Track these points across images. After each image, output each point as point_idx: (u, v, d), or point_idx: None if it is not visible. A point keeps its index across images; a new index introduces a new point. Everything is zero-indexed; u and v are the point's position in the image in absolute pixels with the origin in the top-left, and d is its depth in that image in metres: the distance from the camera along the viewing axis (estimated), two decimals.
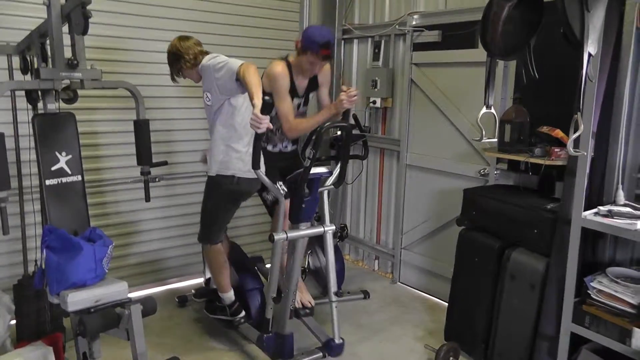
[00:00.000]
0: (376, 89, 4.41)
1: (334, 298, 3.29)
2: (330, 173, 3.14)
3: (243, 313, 3.44)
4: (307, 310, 3.56)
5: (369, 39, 4.65)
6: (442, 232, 4.17)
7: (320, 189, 3.16)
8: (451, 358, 3.18)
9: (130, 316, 2.52)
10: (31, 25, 2.99)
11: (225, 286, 3.43)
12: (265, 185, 2.98)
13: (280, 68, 3.33)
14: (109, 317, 2.58)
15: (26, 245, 3.37)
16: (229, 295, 3.44)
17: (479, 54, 3.66)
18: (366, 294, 4.17)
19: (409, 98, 4.27)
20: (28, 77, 3.13)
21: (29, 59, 3.13)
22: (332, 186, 3.14)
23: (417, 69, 4.21)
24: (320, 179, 3.02)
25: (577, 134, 2.22)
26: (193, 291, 4.01)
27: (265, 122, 2.62)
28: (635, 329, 2.37)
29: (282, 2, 4.66)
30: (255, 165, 2.75)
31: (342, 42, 4.90)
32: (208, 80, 3.12)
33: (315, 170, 2.89)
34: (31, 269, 3.36)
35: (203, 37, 3.41)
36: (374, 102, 4.45)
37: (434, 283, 4.27)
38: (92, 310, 2.56)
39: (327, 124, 2.95)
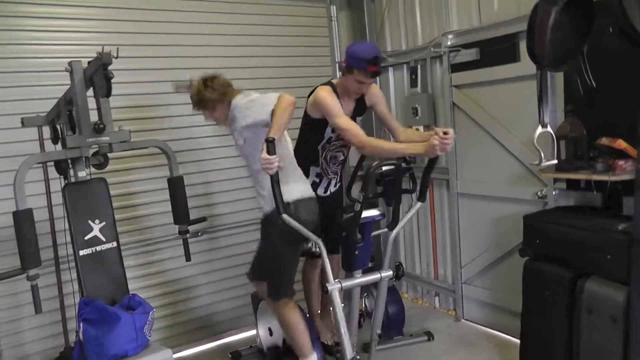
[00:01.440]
0: (417, 117, 4.20)
1: (375, 338, 3.03)
2: (383, 215, 2.92)
3: None
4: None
5: (404, 65, 4.47)
6: (504, 262, 3.85)
7: (373, 234, 2.93)
8: None
9: None
10: (58, 93, 2.98)
11: (307, 350, 3.02)
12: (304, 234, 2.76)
13: (325, 91, 3.06)
14: None
15: (65, 315, 3.31)
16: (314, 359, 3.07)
17: (522, 67, 3.47)
18: (430, 336, 3.90)
19: (453, 122, 4.03)
20: (59, 146, 3.10)
21: (58, 128, 3.11)
22: (386, 229, 2.89)
23: (458, 90, 3.98)
24: (373, 223, 2.81)
25: None
26: None
27: (276, 162, 2.53)
28: None
29: (311, 39, 4.58)
30: (282, 210, 2.59)
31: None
32: (237, 120, 2.91)
33: (366, 214, 2.69)
34: (72, 339, 3.27)
35: (233, 78, 3.31)
36: (417, 129, 4.22)
37: (501, 318, 3.93)
38: None
39: (376, 163, 2.71)
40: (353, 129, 2.95)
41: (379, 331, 3.08)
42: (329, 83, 3.18)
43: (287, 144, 3.07)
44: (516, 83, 3.55)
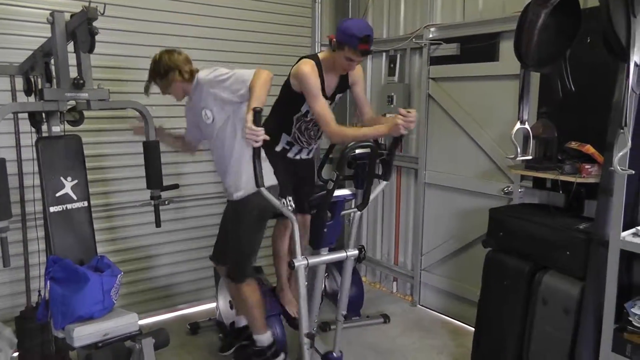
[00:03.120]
0: (392, 105, 4.26)
1: (341, 318, 3.05)
2: (354, 195, 2.97)
3: (283, 356, 3.16)
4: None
5: (384, 53, 4.52)
6: (464, 252, 3.99)
7: (342, 212, 2.98)
8: None
9: (141, 351, 2.39)
10: (35, 45, 2.88)
11: (262, 326, 3.13)
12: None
13: (309, 67, 3.04)
14: (119, 352, 2.47)
15: (29, 274, 3.25)
16: (267, 337, 3.14)
17: (500, 67, 3.57)
18: (386, 318, 4.02)
19: (427, 114, 4.12)
20: (32, 98, 3.02)
21: (32, 79, 3.02)
22: (356, 209, 2.94)
23: (435, 83, 4.07)
24: (344, 202, 2.85)
25: (624, 151, 2.04)
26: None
27: (262, 134, 2.51)
28: None
29: (293, 17, 4.56)
30: (259, 183, 2.60)
31: None
32: (206, 95, 2.92)
33: (338, 193, 2.73)
34: (34, 299, 3.22)
35: (214, 50, 3.28)
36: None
37: (457, 306, 4.08)
38: (100, 345, 2.43)
39: (352, 144, 2.74)
40: (326, 115, 3.00)
41: (344, 312, 3.13)
42: (314, 57, 3.17)
43: None
44: (493, 81, 3.66)
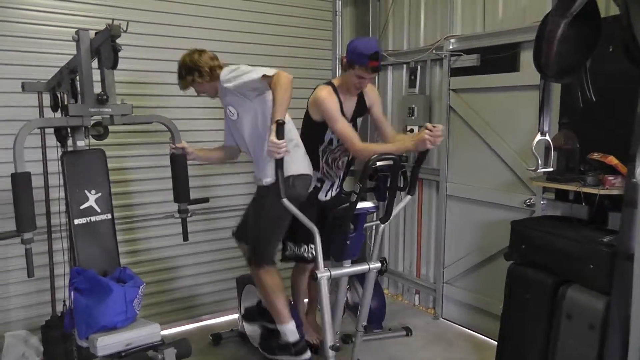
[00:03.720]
0: (413, 117, 4.26)
1: (361, 329, 3.09)
2: (376, 208, 2.98)
3: (309, 354, 3.11)
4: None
5: (404, 65, 4.53)
6: (487, 265, 3.94)
7: (365, 225, 2.99)
8: None
9: None
10: (61, 62, 2.96)
11: (286, 316, 3.07)
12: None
13: (325, 92, 3.11)
14: None
15: (54, 284, 3.31)
16: (291, 328, 3.08)
17: (521, 77, 3.55)
18: (408, 331, 3.98)
19: (448, 125, 4.10)
20: (58, 114, 3.10)
21: (59, 96, 3.11)
22: (379, 222, 2.94)
23: (456, 95, 4.05)
24: (367, 215, 2.86)
25: None
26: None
27: (284, 147, 2.57)
28: None
29: (315, 31, 4.61)
30: (283, 193, 2.64)
31: None
32: (226, 93, 2.98)
33: (361, 205, 2.74)
34: (59, 309, 3.28)
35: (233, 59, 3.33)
36: (412, 131, 4.27)
37: (479, 319, 4.02)
38: (123, 354, 2.48)
39: (375, 156, 2.76)
40: (349, 133, 3.05)
41: (364, 323, 3.13)
42: (329, 83, 3.23)
43: (289, 123, 3.05)
44: (514, 92, 3.63)
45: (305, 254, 3.36)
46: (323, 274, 2.71)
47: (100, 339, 2.43)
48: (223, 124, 3.44)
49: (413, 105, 4.27)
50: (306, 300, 3.76)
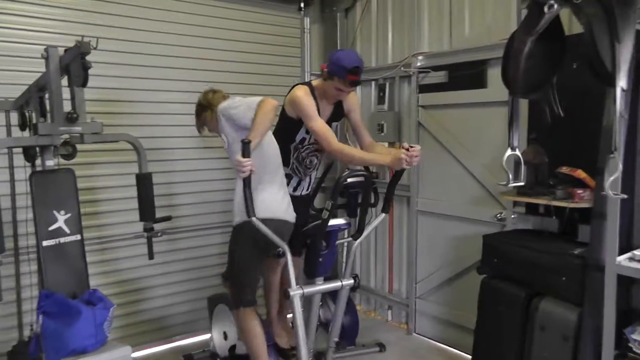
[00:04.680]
0: (383, 134, 4.29)
1: (332, 345, 3.10)
2: (349, 225, 2.99)
3: None
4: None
5: (373, 82, 4.57)
6: (459, 279, 3.97)
7: (337, 242, 2.99)
8: None
9: None
10: (29, 80, 2.90)
11: (264, 358, 3.06)
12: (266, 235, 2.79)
13: (302, 91, 3.14)
14: None
15: (22, 308, 3.21)
16: None
17: (489, 93, 3.62)
18: (382, 347, 3.97)
19: (418, 141, 4.14)
20: (26, 133, 3.02)
21: (27, 114, 3.02)
22: (351, 239, 2.94)
23: (425, 111, 4.11)
24: (338, 232, 2.86)
25: (615, 176, 2.06)
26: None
27: (248, 165, 2.58)
28: None
29: (283, 48, 4.62)
30: (251, 213, 2.62)
31: (345, 14, 4.80)
32: (222, 122, 2.98)
33: (333, 222, 2.74)
34: (27, 333, 3.17)
35: (206, 82, 3.33)
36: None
37: (453, 333, 4.04)
38: None
39: (346, 173, 2.78)
40: (326, 133, 3.05)
41: (336, 339, 3.13)
42: (307, 83, 3.25)
43: (270, 149, 3.07)
44: (482, 108, 3.70)
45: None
46: (295, 291, 2.70)
47: None
48: (190, 142, 3.40)
49: (382, 122, 4.31)
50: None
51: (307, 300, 3.08)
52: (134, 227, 3.59)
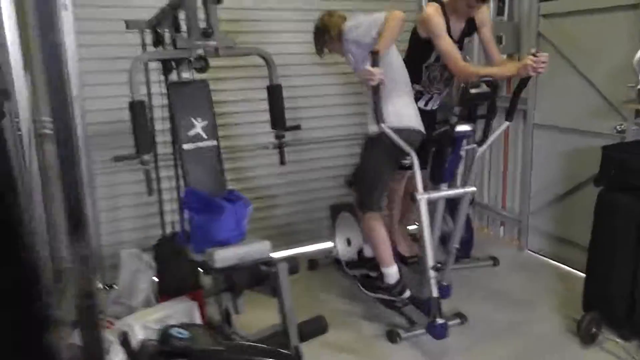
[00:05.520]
0: (501, 45, 4.14)
1: (453, 250, 3.22)
2: (473, 132, 3.03)
3: (408, 293, 3.22)
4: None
5: None
6: (573, 195, 3.91)
7: (463, 148, 3.06)
8: (594, 329, 2.99)
9: (277, 274, 2.56)
10: (160, 2, 3.07)
11: (389, 260, 3.22)
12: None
13: (432, 9, 3.18)
14: (256, 274, 2.63)
15: (163, 208, 3.56)
16: (394, 272, 3.21)
17: None
18: (495, 261, 4.06)
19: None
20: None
21: (160, 32, 3.25)
22: (475, 145, 3.00)
23: (546, 20, 3.95)
24: (464, 138, 2.92)
25: None
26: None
27: (378, 74, 2.67)
28: None
29: None
30: (380, 119, 2.72)
31: None
32: (347, 42, 3.10)
33: (460, 128, 2.80)
34: (169, 230, 3.54)
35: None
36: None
37: (565, 250, 4.03)
38: (237, 268, 2.63)
39: (474, 80, 2.80)
40: (452, 52, 3.08)
41: (457, 245, 3.23)
42: (438, 0, 3.25)
43: (398, 62, 3.16)
44: (609, 14, 3.50)
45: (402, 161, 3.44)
46: (423, 195, 2.81)
47: (218, 253, 2.59)
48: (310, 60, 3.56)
49: (501, 34, 4.17)
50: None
51: (432, 206, 3.16)
52: (261, 137, 3.87)
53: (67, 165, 1.07)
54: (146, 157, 2.74)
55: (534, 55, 2.79)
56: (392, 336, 3.11)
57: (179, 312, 2.99)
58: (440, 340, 2.97)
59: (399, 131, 2.97)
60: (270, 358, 2.28)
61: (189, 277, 3.32)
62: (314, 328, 2.71)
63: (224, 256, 2.61)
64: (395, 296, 3.23)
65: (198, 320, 3.02)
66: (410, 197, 2.94)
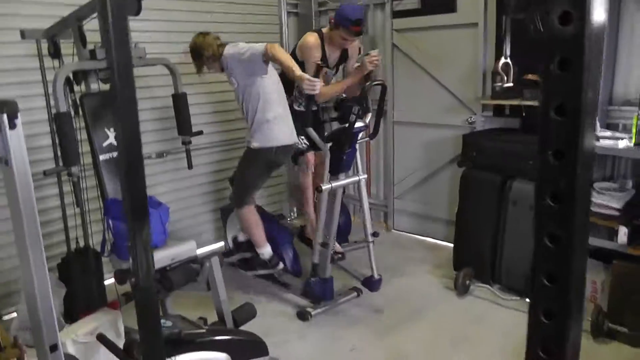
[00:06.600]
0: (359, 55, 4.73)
1: (370, 239, 3.65)
2: (367, 127, 3.51)
3: (282, 264, 3.75)
4: (340, 255, 3.97)
5: None
6: (433, 178, 4.63)
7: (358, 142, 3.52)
8: (467, 281, 3.69)
9: (211, 268, 2.77)
10: (59, 11, 3.10)
11: (262, 241, 3.72)
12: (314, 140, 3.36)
13: (313, 39, 3.68)
14: (189, 272, 2.82)
15: (67, 224, 3.47)
16: (267, 250, 3.73)
17: (458, 17, 4.15)
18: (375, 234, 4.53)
19: (392, 60, 4.68)
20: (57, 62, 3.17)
21: (58, 43, 3.20)
22: (367, 138, 3.49)
23: (399, 34, 4.61)
24: (359, 133, 3.38)
25: None
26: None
27: (318, 83, 3.05)
28: (621, 227, 3.05)
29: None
30: (308, 124, 3.12)
31: (319, 14, 5.19)
32: (232, 66, 3.37)
33: (358, 124, 3.25)
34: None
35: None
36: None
37: (428, 226, 4.74)
38: (168, 268, 2.77)
39: (368, 83, 3.33)
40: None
41: (371, 230, 3.74)
42: (318, 30, 3.77)
43: (274, 79, 3.53)
44: (452, 30, 4.24)
45: (299, 146, 3.86)
46: (326, 185, 3.24)
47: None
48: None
49: (360, 45, 4.71)
50: None
51: (332, 194, 3.51)
52: (159, 146, 3.99)
53: None
54: (74, 169, 2.78)
55: (367, 55, 3.56)
56: (303, 315, 3.48)
57: (105, 323, 2.99)
58: (344, 313, 3.52)
59: (276, 149, 3.46)
60: (244, 337, 2.51)
61: (103, 291, 3.36)
62: (246, 314, 2.97)
63: (158, 258, 2.70)
64: (273, 268, 3.76)
65: (122, 329, 3.05)
66: (316, 189, 3.35)
